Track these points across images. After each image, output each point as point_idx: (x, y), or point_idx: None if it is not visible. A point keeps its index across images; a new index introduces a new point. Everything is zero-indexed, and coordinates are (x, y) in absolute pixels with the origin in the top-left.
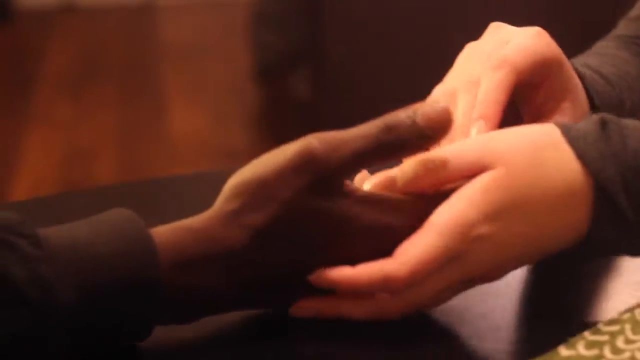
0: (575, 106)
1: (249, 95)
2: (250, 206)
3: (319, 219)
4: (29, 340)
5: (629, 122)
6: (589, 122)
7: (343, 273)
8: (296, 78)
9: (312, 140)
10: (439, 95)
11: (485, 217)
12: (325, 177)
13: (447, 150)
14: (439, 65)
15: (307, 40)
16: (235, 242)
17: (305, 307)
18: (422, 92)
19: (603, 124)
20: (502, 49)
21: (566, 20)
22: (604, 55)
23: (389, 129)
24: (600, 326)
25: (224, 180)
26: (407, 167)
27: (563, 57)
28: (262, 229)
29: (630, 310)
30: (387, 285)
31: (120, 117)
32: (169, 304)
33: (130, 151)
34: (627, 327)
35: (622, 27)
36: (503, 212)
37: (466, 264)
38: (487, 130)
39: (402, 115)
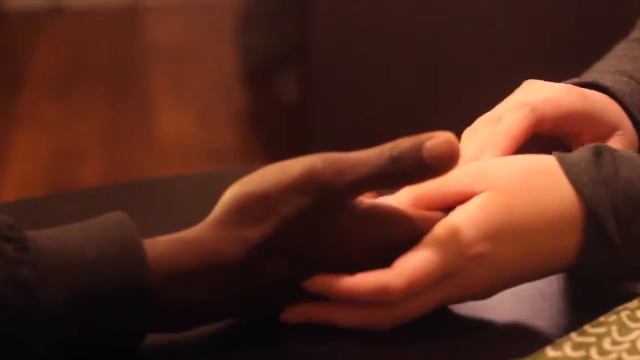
0: (623, 138)
1: (236, 96)
2: (249, 220)
3: (318, 235)
4: (12, 342)
5: (623, 152)
6: (583, 150)
7: (341, 281)
8: (283, 80)
9: (318, 162)
10: (465, 133)
11: (483, 235)
12: (326, 198)
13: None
14: (426, 68)
15: (293, 42)
16: (232, 256)
17: (297, 313)
18: (408, 94)
19: (597, 152)
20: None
21: (564, 19)
22: (636, 60)
23: (394, 160)
24: (587, 328)
25: (210, 182)
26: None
27: (597, 106)
28: (259, 244)
29: (617, 312)
30: (383, 296)
31: (107, 118)
32: (160, 314)
33: (117, 152)
34: (614, 328)
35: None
36: (499, 232)
37: (461, 281)
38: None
39: (407, 146)
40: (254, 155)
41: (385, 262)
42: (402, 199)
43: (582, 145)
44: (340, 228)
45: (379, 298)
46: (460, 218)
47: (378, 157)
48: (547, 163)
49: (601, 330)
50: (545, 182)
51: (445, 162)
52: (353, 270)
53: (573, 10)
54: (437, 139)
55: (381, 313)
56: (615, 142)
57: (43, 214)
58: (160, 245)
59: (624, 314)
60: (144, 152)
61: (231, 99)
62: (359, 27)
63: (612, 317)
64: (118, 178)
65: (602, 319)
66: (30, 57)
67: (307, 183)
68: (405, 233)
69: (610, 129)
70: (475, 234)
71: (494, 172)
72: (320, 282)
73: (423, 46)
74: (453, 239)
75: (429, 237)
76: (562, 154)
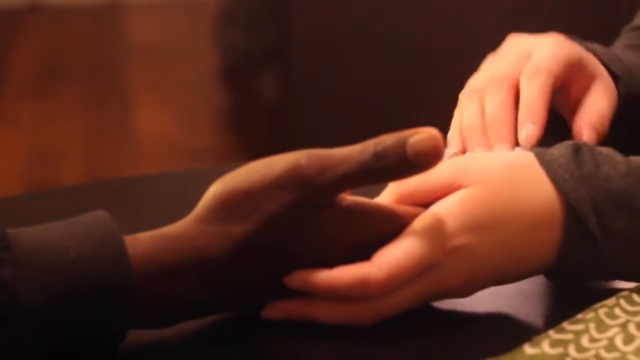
0: (605, 89)
1: (216, 95)
2: (233, 217)
3: (302, 231)
4: None
5: (603, 149)
6: (562, 147)
7: (320, 275)
8: (262, 78)
9: (302, 158)
10: (462, 100)
11: (463, 228)
12: (310, 195)
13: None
14: (405, 65)
15: (273, 41)
16: (215, 252)
17: (278, 309)
18: (388, 91)
19: (576, 149)
20: (527, 59)
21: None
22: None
23: (377, 156)
24: (565, 325)
25: (190, 180)
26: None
27: (583, 53)
28: (243, 239)
29: (594, 309)
30: (364, 288)
31: (87, 117)
32: (143, 310)
33: (97, 152)
34: (592, 326)
35: (624, 38)
36: (480, 225)
37: (441, 275)
38: (536, 133)
39: (391, 142)
40: (234, 153)
41: (367, 257)
42: (385, 194)
43: (569, 97)
44: (324, 224)
45: (359, 291)
46: (441, 211)
47: (362, 153)
48: (528, 159)
49: (579, 327)
50: (526, 177)
51: (429, 158)
52: (334, 266)
53: (549, 7)
54: (420, 135)
55: (362, 308)
56: (597, 89)
57: (23, 212)
58: (142, 242)
59: (601, 312)
60: (124, 151)
61: (211, 97)
62: (338, 25)
63: (590, 315)
64: (98, 177)
65: (579, 316)
66: (9, 55)
67: (291, 179)
68: (389, 228)
69: (592, 78)
70: (455, 226)
71: (476, 167)
72: (300, 277)
73: (402, 43)
74: (433, 231)
75: (409, 229)
76: (541, 150)
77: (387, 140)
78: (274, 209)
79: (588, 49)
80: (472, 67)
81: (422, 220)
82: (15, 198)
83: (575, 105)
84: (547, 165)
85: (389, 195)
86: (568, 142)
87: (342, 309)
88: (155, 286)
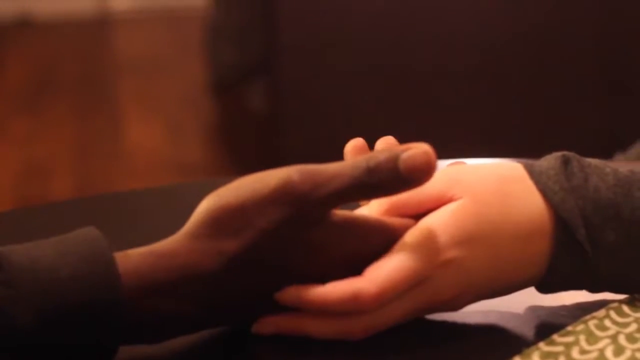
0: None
1: (205, 108)
2: (225, 232)
3: (294, 246)
4: None
5: (592, 161)
6: (550, 159)
7: (312, 291)
8: (251, 91)
9: (294, 174)
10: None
11: (454, 242)
12: (302, 211)
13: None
14: (394, 78)
15: (262, 54)
16: (207, 268)
17: (268, 324)
18: (377, 104)
19: (565, 161)
20: None
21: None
22: None
23: (370, 172)
24: (555, 337)
25: (180, 194)
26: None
27: None
28: (235, 255)
29: (584, 322)
30: (355, 303)
31: (76, 131)
32: (134, 326)
33: (87, 165)
34: (582, 337)
35: None
36: (470, 238)
37: (432, 288)
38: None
39: (383, 158)
40: (223, 167)
41: (360, 271)
42: (376, 205)
43: None
44: (317, 239)
45: (351, 306)
46: (432, 224)
47: (354, 169)
48: (518, 171)
49: (569, 339)
50: (517, 190)
51: (422, 173)
52: (326, 281)
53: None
54: (413, 151)
55: (353, 322)
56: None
57: (13, 228)
58: (133, 259)
59: (591, 323)
60: (113, 165)
61: (200, 111)
62: (325, 39)
63: (580, 326)
64: (88, 191)
65: (570, 328)
66: None
67: (283, 195)
68: (380, 241)
69: None
70: (446, 240)
71: (468, 179)
72: (291, 293)
73: (391, 56)
74: (424, 245)
75: (400, 244)
76: (530, 163)
77: (379, 156)
78: (266, 224)
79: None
80: (460, 79)
81: (414, 233)
82: (4, 214)
83: None
84: (537, 177)
85: (380, 204)
86: (557, 154)
87: (333, 324)
88: (146, 303)
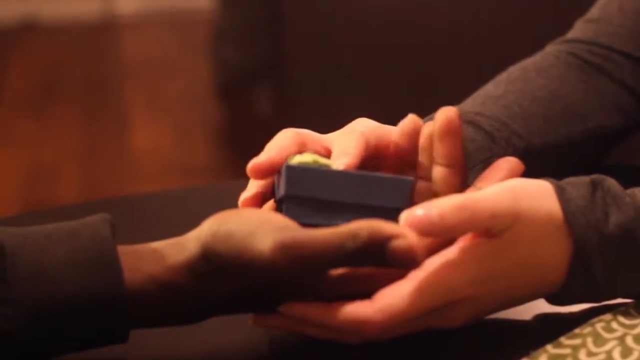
0: None
1: (211, 111)
2: (220, 277)
3: (295, 288)
4: None
5: (612, 188)
6: (580, 186)
7: (317, 311)
8: (258, 94)
9: (277, 254)
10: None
11: (473, 282)
12: (288, 279)
13: (481, 194)
14: (400, 80)
15: (268, 56)
16: (205, 302)
17: (269, 319)
18: (383, 105)
19: (594, 189)
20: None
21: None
22: (514, 93)
23: (353, 255)
24: (562, 339)
25: (187, 198)
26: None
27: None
28: (231, 295)
29: (591, 324)
30: (359, 330)
31: (82, 134)
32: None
33: (93, 169)
34: (589, 340)
35: (578, 30)
36: (491, 279)
37: (442, 318)
38: (350, 163)
39: (368, 243)
40: (230, 169)
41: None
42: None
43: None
44: (311, 287)
45: (355, 330)
46: (453, 261)
47: (339, 249)
48: (556, 207)
49: (576, 341)
50: (551, 232)
51: (409, 263)
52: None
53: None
54: (400, 242)
55: (352, 337)
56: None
57: None
58: (138, 283)
59: (599, 326)
60: (120, 168)
61: (206, 113)
62: (332, 41)
63: (587, 329)
64: (94, 194)
65: (577, 330)
66: (4, 74)
67: (266, 270)
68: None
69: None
70: (465, 280)
71: (526, 211)
72: (296, 309)
73: (396, 58)
74: (441, 283)
75: (417, 273)
76: (562, 187)
77: (363, 237)
78: (252, 282)
79: None
80: (468, 82)
81: (433, 265)
82: (11, 218)
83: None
84: (566, 206)
85: (453, 208)
86: (586, 180)
87: (332, 334)
88: (144, 323)
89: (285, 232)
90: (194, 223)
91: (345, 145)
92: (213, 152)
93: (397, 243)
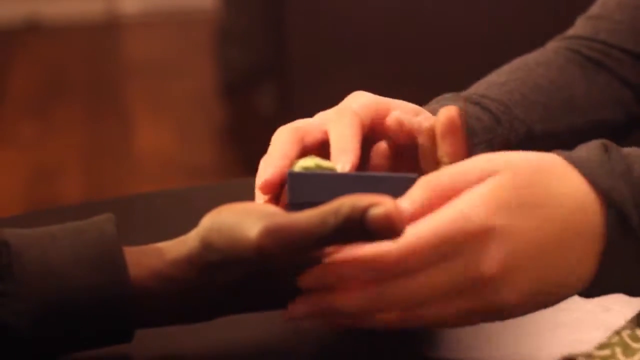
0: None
1: (215, 111)
2: (217, 266)
3: (290, 276)
4: None
5: (627, 149)
6: (589, 148)
7: (335, 257)
8: (261, 94)
9: (263, 238)
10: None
11: (490, 210)
12: (275, 263)
13: (452, 168)
14: (403, 77)
15: (271, 56)
16: (207, 294)
17: (299, 305)
18: None
19: (605, 149)
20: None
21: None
22: (516, 81)
23: (337, 230)
24: (593, 351)
25: (190, 197)
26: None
27: (395, 102)
28: (231, 286)
29: (618, 333)
30: (378, 261)
31: (86, 135)
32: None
33: (97, 169)
34: (618, 350)
35: (578, 27)
36: (509, 207)
37: (473, 264)
38: (351, 161)
39: (348, 213)
40: (233, 169)
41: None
42: (419, 192)
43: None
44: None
45: (373, 265)
46: (468, 196)
47: (322, 226)
48: (558, 159)
49: (606, 352)
50: (560, 173)
51: (388, 231)
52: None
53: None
54: (377, 209)
55: (389, 291)
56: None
57: None
58: (142, 278)
59: (626, 335)
60: (123, 168)
61: (210, 113)
62: (335, 41)
63: (614, 339)
64: (98, 194)
65: (604, 340)
66: (8, 74)
67: (256, 256)
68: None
69: (415, 111)
70: (481, 208)
71: (509, 156)
72: (313, 274)
73: (399, 57)
74: (456, 209)
75: (434, 214)
76: (566, 153)
77: (343, 209)
78: (242, 272)
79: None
80: (467, 84)
81: (450, 205)
82: (15, 218)
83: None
84: (579, 164)
85: (424, 191)
86: (595, 142)
87: (364, 295)
88: (150, 321)
89: (271, 217)
90: (197, 222)
91: (340, 135)
92: (216, 151)
93: (374, 210)
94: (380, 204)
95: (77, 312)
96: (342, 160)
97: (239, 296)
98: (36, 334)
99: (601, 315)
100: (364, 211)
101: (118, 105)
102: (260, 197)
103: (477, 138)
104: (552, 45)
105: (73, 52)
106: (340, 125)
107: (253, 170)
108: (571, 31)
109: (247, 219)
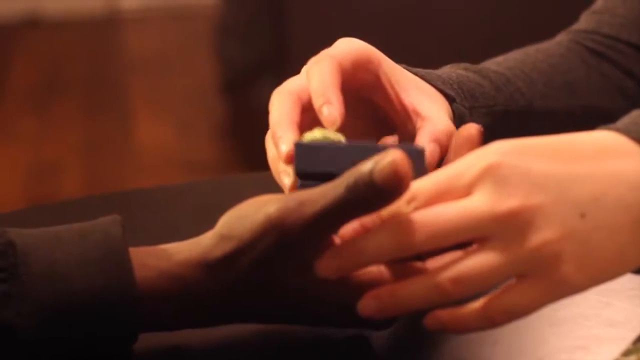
0: (441, 106)
1: (215, 106)
2: (228, 263)
3: (291, 269)
4: None
5: None
6: (632, 115)
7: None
8: (261, 90)
9: (272, 212)
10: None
11: (508, 151)
12: (292, 240)
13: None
14: None
15: (271, 51)
16: (213, 296)
17: (371, 300)
18: None
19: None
20: None
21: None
22: (515, 61)
23: (350, 189)
24: (619, 357)
25: (190, 193)
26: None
27: (380, 56)
28: (234, 282)
29: None
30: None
31: (86, 130)
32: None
33: (96, 164)
34: None
35: (582, 21)
36: (525, 150)
37: (499, 195)
38: (337, 112)
39: (360, 172)
40: (233, 164)
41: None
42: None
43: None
44: (309, 262)
45: (394, 230)
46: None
47: (335, 189)
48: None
49: (633, 358)
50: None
51: (395, 182)
52: (327, 296)
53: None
54: (381, 162)
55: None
56: (435, 105)
57: (24, 228)
58: (149, 279)
59: None
60: (123, 164)
61: (210, 109)
62: (335, 36)
63: (639, 343)
64: (98, 190)
65: (630, 346)
66: (8, 70)
67: (269, 231)
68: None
69: (396, 83)
70: (497, 148)
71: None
72: (330, 252)
73: (399, 53)
74: (474, 155)
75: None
76: (610, 125)
77: (356, 171)
78: (257, 256)
79: (416, 73)
80: None
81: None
82: (15, 213)
83: (383, 97)
84: (625, 129)
85: (427, 194)
86: (638, 111)
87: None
88: (156, 323)
89: (289, 196)
90: (197, 218)
91: (319, 80)
92: (216, 147)
93: (381, 163)
94: (384, 156)
95: (82, 313)
96: (325, 112)
97: (248, 300)
98: (41, 335)
99: (602, 311)
100: (371, 169)
101: (118, 101)
102: (283, 170)
103: (476, 102)
104: (555, 39)
105: (73, 48)
106: (318, 71)
107: (253, 165)
108: (574, 26)
109: (266, 205)
